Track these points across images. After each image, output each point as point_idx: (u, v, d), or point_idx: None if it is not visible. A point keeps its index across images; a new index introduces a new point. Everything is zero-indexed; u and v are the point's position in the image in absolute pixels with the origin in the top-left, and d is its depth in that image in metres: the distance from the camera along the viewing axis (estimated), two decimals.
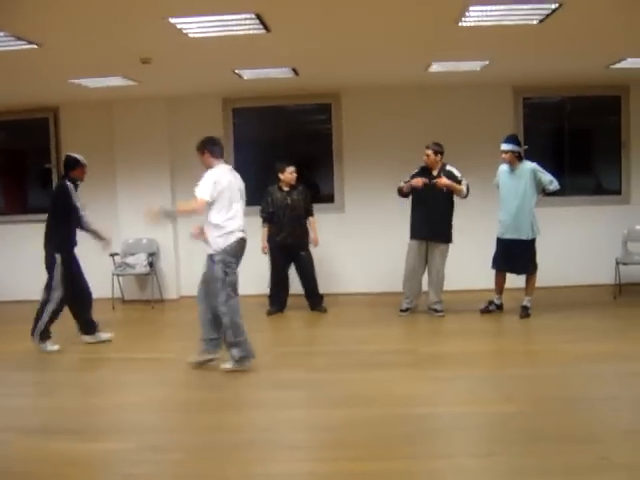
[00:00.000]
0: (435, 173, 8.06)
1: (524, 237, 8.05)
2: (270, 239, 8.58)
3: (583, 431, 4.66)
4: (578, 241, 9.72)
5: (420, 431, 4.84)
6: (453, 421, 5.00)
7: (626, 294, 9.05)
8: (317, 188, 10.16)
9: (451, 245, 8.24)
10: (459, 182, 8.01)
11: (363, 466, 4.25)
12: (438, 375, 6.10)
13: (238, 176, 6.64)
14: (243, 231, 6.38)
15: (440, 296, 8.24)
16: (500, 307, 8.36)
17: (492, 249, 8.20)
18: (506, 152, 7.99)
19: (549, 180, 8.02)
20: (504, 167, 8.13)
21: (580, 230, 9.75)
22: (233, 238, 6.31)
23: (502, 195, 8.17)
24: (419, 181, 7.97)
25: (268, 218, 8.61)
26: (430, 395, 5.62)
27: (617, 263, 9.10)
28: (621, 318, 8.10)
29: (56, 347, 7.15)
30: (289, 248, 8.57)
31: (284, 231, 8.53)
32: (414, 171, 8.19)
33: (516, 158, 8.03)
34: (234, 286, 6.30)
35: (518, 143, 8.12)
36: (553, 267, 9.60)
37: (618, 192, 9.96)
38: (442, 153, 8.09)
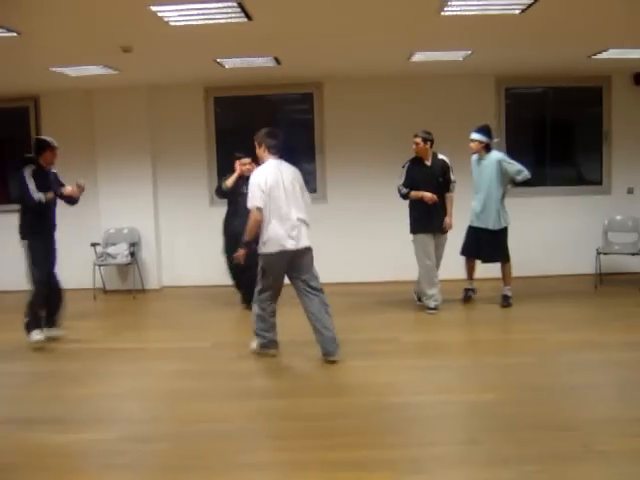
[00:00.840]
0: (429, 163, 7.85)
1: (490, 227, 8.09)
2: (226, 227, 8.35)
3: (563, 419, 4.70)
4: (559, 231, 9.77)
5: (401, 420, 4.87)
6: (434, 409, 5.02)
7: (607, 284, 9.11)
8: None
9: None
10: (451, 173, 7.90)
11: (344, 455, 4.26)
12: (420, 364, 6.12)
13: (291, 169, 6.42)
14: (290, 237, 6.20)
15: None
16: (474, 291, 8.47)
17: None
18: (473, 141, 8.06)
19: (516, 170, 8.01)
20: (475, 157, 8.20)
21: (561, 220, 9.80)
22: (270, 248, 6.19)
23: (474, 184, 8.25)
24: (432, 199, 7.71)
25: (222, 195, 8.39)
26: (411, 384, 5.65)
27: (598, 253, 9.15)
28: (601, 307, 8.15)
29: (39, 337, 6.98)
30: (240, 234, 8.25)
31: (238, 217, 7.87)
32: (406, 163, 7.98)
33: (483, 148, 8.06)
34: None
35: (488, 134, 8.10)
36: (535, 257, 9.69)
37: (599, 182, 10.01)
38: (432, 141, 7.85)
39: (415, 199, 7.84)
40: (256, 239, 6.29)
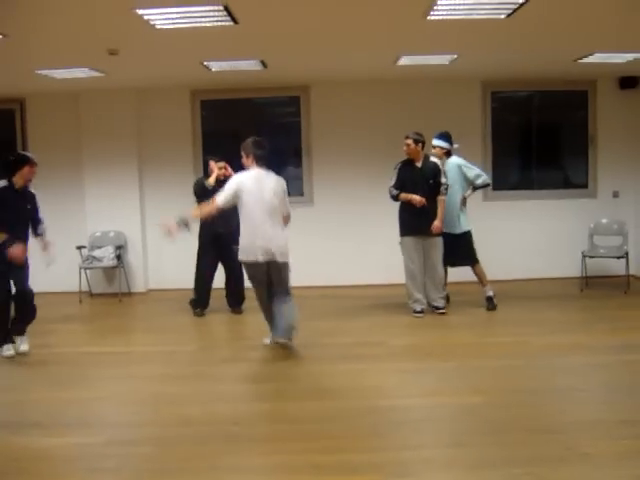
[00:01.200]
0: (419, 165, 7.80)
1: (452, 231, 8.13)
2: (202, 230, 8.17)
3: (549, 422, 4.71)
4: (545, 234, 9.81)
5: (388, 423, 4.87)
6: (421, 412, 5.03)
7: (592, 287, 9.15)
8: None
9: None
10: (441, 176, 7.82)
11: (331, 458, 4.25)
12: (407, 367, 6.12)
13: (274, 181, 6.46)
14: (263, 250, 6.25)
15: (441, 292, 8.01)
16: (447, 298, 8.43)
17: None
18: (434, 147, 8.14)
19: (475, 175, 8.18)
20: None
21: (547, 223, 9.84)
22: (244, 257, 6.36)
23: None
24: (420, 202, 7.69)
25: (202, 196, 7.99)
26: (398, 387, 5.66)
27: (583, 256, 9.19)
28: (587, 310, 8.18)
29: (10, 352, 6.68)
30: (219, 240, 8.13)
31: (217, 223, 7.67)
32: (397, 165, 7.94)
33: (444, 154, 8.13)
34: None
35: (449, 140, 8.18)
36: (521, 260, 9.73)
37: (585, 186, 10.06)
38: (423, 142, 7.81)
39: (404, 201, 7.83)
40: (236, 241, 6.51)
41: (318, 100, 9.84)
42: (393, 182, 7.88)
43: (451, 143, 8.21)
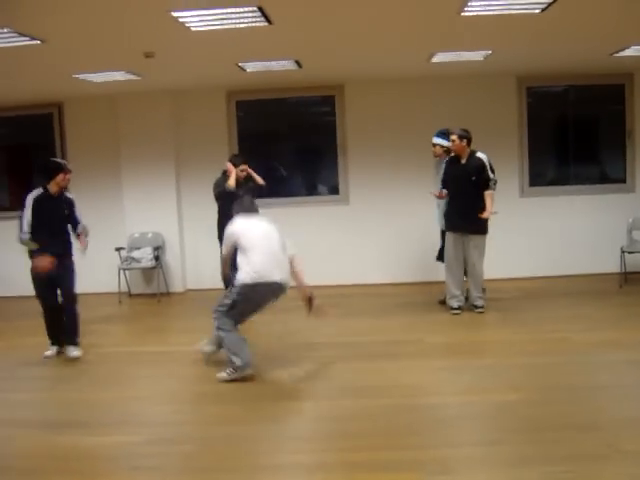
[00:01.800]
0: (464, 161, 7.71)
1: (441, 227, 8.26)
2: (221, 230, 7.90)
3: (588, 419, 4.68)
4: (583, 230, 9.72)
5: (425, 421, 4.87)
6: (459, 410, 5.02)
7: (632, 282, 9.05)
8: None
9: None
10: (487, 171, 7.65)
11: (370, 456, 4.27)
12: (444, 365, 6.11)
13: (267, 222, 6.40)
14: (279, 271, 6.09)
15: (480, 291, 7.91)
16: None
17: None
18: (435, 145, 8.17)
19: None
20: (440, 160, 8.24)
21: (585, 219, 9.74)
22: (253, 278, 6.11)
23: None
24: (439, 195, 7.84)
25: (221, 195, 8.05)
26: (435, 385, 5.65)
27: (622, 252, 9.09)
28: (627, 306, 8.09)
29: (47, 352, 6.88)
30: None
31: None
32: (446, 159, 7.92)
33: (444, 152, 8.12)
34: None
35: (446, 138, 8.12)
36: (559, 256, 9.65)
37: (623, 180, 9.94)
38: (469, 139, 7.72)
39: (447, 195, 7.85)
40: None
41: (353, 99, 9.84)
42: (440, 177, 7.93)
43: (448, 140, 8.14)
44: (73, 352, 6.86)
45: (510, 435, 4.49)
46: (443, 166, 8.01)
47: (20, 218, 6.65)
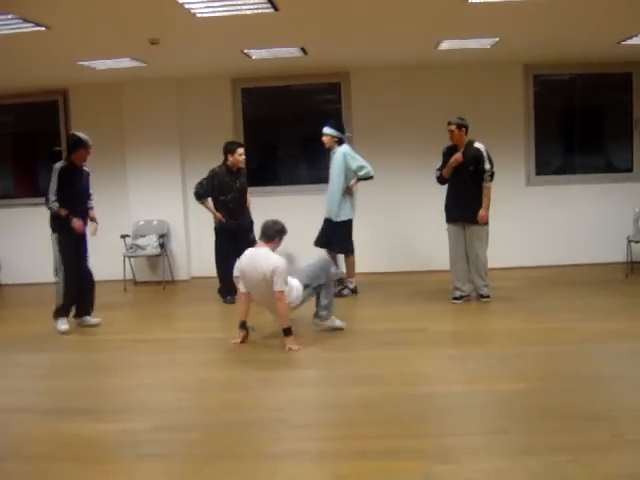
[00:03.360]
0: (461, 150, 7.59)
1: (332, 217, 8.36)
2: (218, 224, 8.30)
3: (594, 409, 4.67)
4: (589, 219, 9.69)
5: (431, 409, 4.86)
6: (464, 399, 5.01)
7: (638, 272, 9.03)
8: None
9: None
10: (484, 162, 7.55)
11: (375, 444, 4.26)
12: (450, 353, 6.12)
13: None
14: None
15: (485, 280, 7.82)
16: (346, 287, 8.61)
17: None
18: (325, 135, 8.29)
19: (358, 166, 8.30)
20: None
21: (591, 208, 9.71)
22: None
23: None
24: (457, 160, 7.57)
25: (204, 195, 8.28)
26: (441, 373, 5.64)
27: (629, 241, 9.07)
28: (633, 296, 8.07)
29: (64, 327, 7.18)
30: (237, 232, 8.14)
31: (234, 215, 8.20)
32: (444, 149, 7.82)
33: (335, 142, 8.28)
34: None
35: (340, 129, 8.33)
36: (564, 245, 9.63)
37: (629, 170, 9.90)
38: (466, 127, 7.64)
39: (448, 176, 7.73)
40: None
41: (358, 86, 9.81)
42: (439, 165, 7.83)
43: (343, 131, 8.36)
44: (94, 319, 7.44)
45: (515, 424, 4.48)
46: (337, 157, 8.25)
47: (47, 190, 7.03)
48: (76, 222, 7.04)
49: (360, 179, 8.40)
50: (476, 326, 7.03)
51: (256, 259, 6.32)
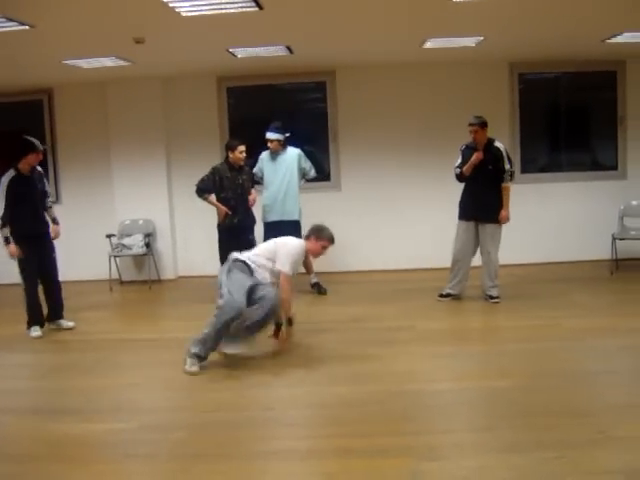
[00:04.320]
0: (481, 149, 7.49)
1: (294, 218, 8.36)
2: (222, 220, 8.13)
3: (580, 405, 4.70)
4: (575, 217, 9.73)
5: (418, 407, 4.88)
6: (451, 396, 5.03)
7: (623, 269, 9.08)
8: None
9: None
10: (504, 162, 7.52)
11: (362, 442, 4.27)
12: (437, 351, 6.12)
13: None
14: None
15: (495, 281, 7.74)
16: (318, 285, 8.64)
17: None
18: (271, 141, 8.30)
19: (310, 166, 8.52)
20: (265, 154, 8.50)
21: (577, 206, 9.76)
22: None
23: (266, 180, 8.48)
24: (478, 157, 7.44)
25: (206, 191, 8.07)
26: (428, 371, 5.65)
27: (614, 238, 9.11)
28: (618, 293, 8.12)
29: (36, 333, 7.03)
30: (238, 229, 8.05)
31: (237, 212, 8.07)
32: (462, 147, 7.71)
33: (281, 145, 8.33)
34: None
35: (283, 131, 8.34)
36: (550, 243, 9.67)
37: (614, 167, 9.95)
38: (487, 124, 7.54)
39: (468, 174, 7.55)
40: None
41: (344, 85, 9.81)
42: (458, 162, 7.66)
43: (284, 133, 8.37)
44: (68, 323, 7.27)
45: (502, 421, 4.50)
46: (291, 158, 8.37)
47: None
48: (12, 247, 6.72)
49: (308, 180, 8.72)
50: (463, 324, 7.05)
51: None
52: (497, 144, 7.61)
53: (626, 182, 9.80)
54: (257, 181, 8.53)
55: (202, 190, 8.06)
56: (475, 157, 7.46)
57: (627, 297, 7.83)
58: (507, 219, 7.61)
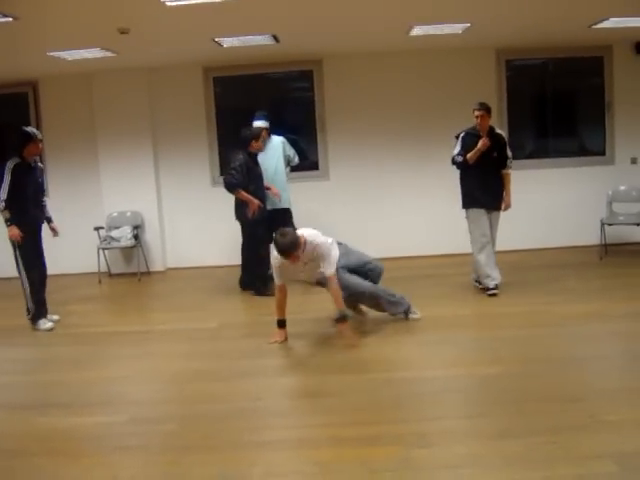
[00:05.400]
0: (485, 135, 7.30)
1: (285, 205, 8.38)
2: (247, 212, 7.88)
3: (570, 390, 4.70)
4: (563, 202, 9.74)
5: (409, 394, 4.87)
6: (441, 384, 5.03)
7: (612, 254, 9.09)
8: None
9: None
10: (507, 149, 7.45)
11: (354, 431, 4.27)
12: (427, 339, 6.13)
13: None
14: None
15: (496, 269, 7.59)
16: None
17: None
18: (260, 129, 8.14)
19: (294, 153, 8.55)
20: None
21: (565, 191, 9.76)
22: None
23: None
24: (485, 143, 7.23)
25: (239, 185, 7.74)
26: (419, 359, 5.66)
27: (602, 224, 9.13)
28: (607, 278, 8.13)
29: (48, 325, 7.06)
30: (266, 218, 8.03)
31: (263, 202, 7.96)
32: (460, 133, 7.47)
33: (268, 134, 8.25)
34: None
35: (268, 119, 8.28)
36: (539, 229, 9.69)
37: (602, 153, 9.95)
38: (491, 110, 7.37)
39: (473, 162, 7.29)
40: None
41: (331, 74, 9.77)
42: (457, 150, 7.43)
43: (269, 121, 8.31)
44: (53, 317, 7.25)
45: (492, 408, 4.51)
46: (275, 145, 8.33)
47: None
48: (14, 229, 6.72)
49: (292, 166, 8.69)
50: (453, 311, 7.04)
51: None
52: (499, 131, 7.54)
53: (614, 167, 9.80)
54: None
55: (234, 185, 7.76)
56: (482, 143, 7.25)
57: (616, 282, 7.84)
58: (510, 205, 7.56)
